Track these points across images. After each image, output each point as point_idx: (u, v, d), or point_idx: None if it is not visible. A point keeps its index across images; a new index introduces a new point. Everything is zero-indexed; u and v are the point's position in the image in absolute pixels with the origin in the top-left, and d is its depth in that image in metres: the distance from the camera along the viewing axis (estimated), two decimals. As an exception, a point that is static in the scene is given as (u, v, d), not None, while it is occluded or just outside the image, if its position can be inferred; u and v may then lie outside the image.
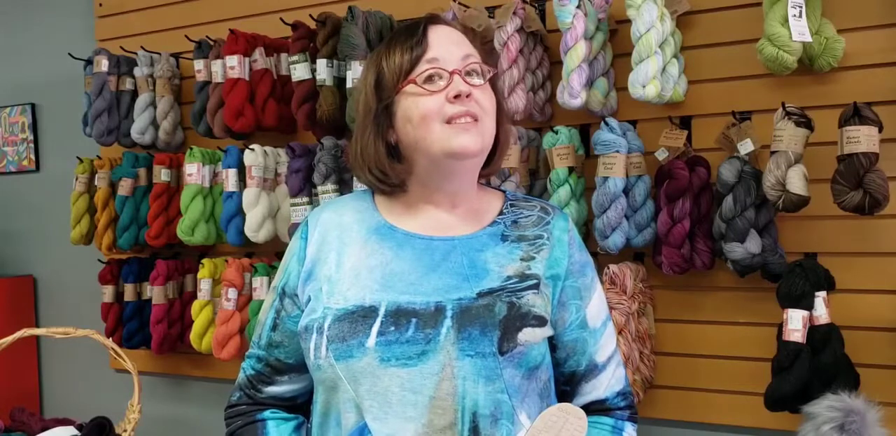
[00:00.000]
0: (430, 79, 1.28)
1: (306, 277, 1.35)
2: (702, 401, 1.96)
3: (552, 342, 1.35)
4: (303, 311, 1.34)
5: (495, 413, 1.23)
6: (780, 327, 1.73)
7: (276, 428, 1.37)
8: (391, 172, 1.33)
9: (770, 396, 1.71)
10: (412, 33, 1.31)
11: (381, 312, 1.26)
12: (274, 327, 1.38)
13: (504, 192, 1.44)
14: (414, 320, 1.25)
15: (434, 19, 1.35)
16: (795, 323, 1.69)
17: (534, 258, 1.33)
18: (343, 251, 1.34)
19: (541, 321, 1.28)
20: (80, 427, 2.28)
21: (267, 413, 1.39)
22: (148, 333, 2.55)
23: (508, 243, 1.33)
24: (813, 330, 1.71)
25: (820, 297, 1.71)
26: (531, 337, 1.26)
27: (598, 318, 1.38)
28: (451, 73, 1.28)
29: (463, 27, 1.37)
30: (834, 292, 1.75)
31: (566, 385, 1.38)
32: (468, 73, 1.29)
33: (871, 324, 1.78)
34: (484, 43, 1.40)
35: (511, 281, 1.29)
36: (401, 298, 1.27)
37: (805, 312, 1.70)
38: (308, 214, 1.44)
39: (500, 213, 1.38)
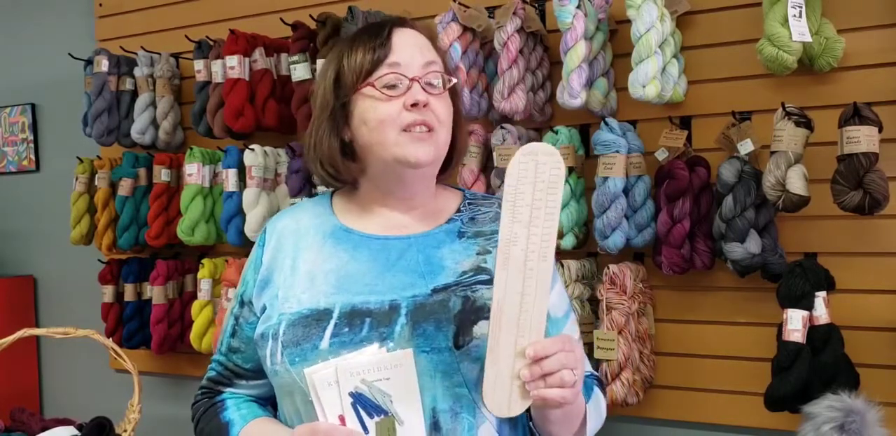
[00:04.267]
0: (389, 83, 1.27)
1: (263, 285, 1.35)
2: (702, 401, 1.96)
3: None
4: (259, 318, 1.34)
5: (455, 407, 1.23)
6: (780, 326, 1.73)
7: (234, 405, 1.38)
8: (343, 170, 1.33)
9: (770, 396, 1.71)
10: (377, 34, 1.30)
11: (336, 314, 1.26)
12: (233, 334, 1.39)
13: (463, 191, 1.44)
14: (368, 320, 1.25)
15: (401, 22, 1.34)
16: (795, 323, 1.69)
17: (490, 252, 1.32)
18: (298, 256, 1.34)
19: None
20: (80, 427, 2.27)
21: (226, 394, 1.41)
22: (148, 333, 2.55)
23: (465, 239, 1.34)
24: (813, 330, 1.70)
25: (820, 297, 1.71)
26: (487, 330, 1.25)
27: (559, 308, 1.37)
28: (412, 81, 1.27)
29: (429, 33, 1.36)
30: (834, 292, 1.75)
31: None
32: (428, 82, 1.28)
33: (871, 324, 1.78)
34: (445, 51, 1.40)
35: (466, 276, 1.29)
36: (356, 298, 1.27)
37: (805, 313, 1.70)
38: (268, 222, 1.45)
39: (458, 211, 1.39)
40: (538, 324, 1.15)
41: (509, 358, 1.15)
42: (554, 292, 1.37)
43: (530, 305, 1.15)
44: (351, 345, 1.23)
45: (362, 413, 1.17)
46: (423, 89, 1.28)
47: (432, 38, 1.36)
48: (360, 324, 1.25)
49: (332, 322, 1.25)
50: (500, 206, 1.39)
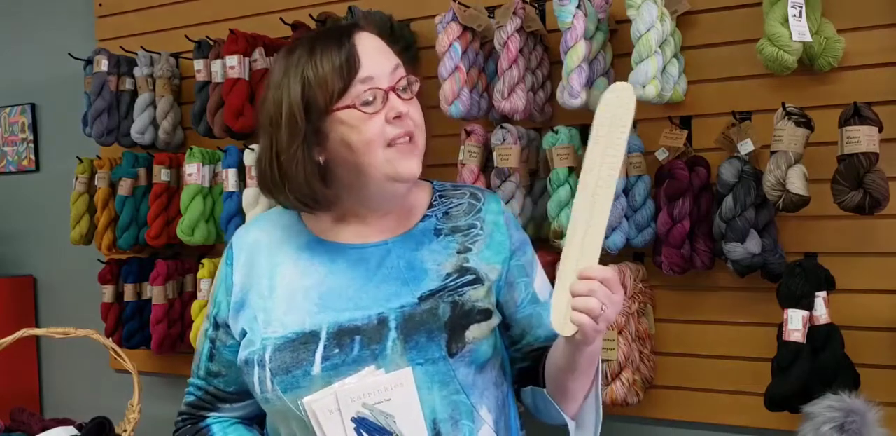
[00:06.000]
0: (367, 100, 1.21)
1: (238, 308, 1.30)
2: (702, 401, 1.96)
3: (504, 323, 1.33)
4: (238, 341, 1.29)
5: (454, 415, 1.22)
6: (780, 326, 1.73)
7: (221, 430, 1.35)
8: (321, 196, 1.25)
9: (770, 396, 1.71)
10: (339, 44, 1.22)
11: (323, 335, 1.22)
12: (211, 357, 1.34)
13: (431, 182, 1.40)
14: (358, 338, 1.21)
15: (359, 27, 1.28)
16: (795, 323, 1.69)
17: (470, 250, 1.30)
18: (274, 274, 1.29)
19: (486, 315, 1.27)
20: (80, 427, 2.27)
21: (210, 420, 1.37)
22: (148, 333, 2.55)
23: (443, 237, 1.31)
24: (813, 330, 1.70)
25: (820, 297, 1.71)
26: (478, 333, 1.25)
27: (545, 291, 1.37)
28: (387, 91, 1.22)
29: (380, 32, 1.30)
30: (834, 292, 1.74)
31: (525, 361, 1.37)
32: (401, 89, 1.24)
33: (871, 324, 1.78)
34: (401, 47, 1.36)
35: (451, 278, 1.27)
36: (341, 316, 1.23)
37: (805, 312, 1.70)
38: (233, 236, 1.37)
39: (430, 206, 1.35)
40: (595, 249, 1.19)
41: (569, 277, 1.17)
42: (539, 278, 1.37)
43: (594, 229, 1.20)
44: (343, 366, 1.20)
45: None
46: (399, 97, 1.23)
47: (384, 35, 1.31)
48: (349, 343, 1.21)
49: (321, 345, 1.21)
50: (471, 196, 1.36)
